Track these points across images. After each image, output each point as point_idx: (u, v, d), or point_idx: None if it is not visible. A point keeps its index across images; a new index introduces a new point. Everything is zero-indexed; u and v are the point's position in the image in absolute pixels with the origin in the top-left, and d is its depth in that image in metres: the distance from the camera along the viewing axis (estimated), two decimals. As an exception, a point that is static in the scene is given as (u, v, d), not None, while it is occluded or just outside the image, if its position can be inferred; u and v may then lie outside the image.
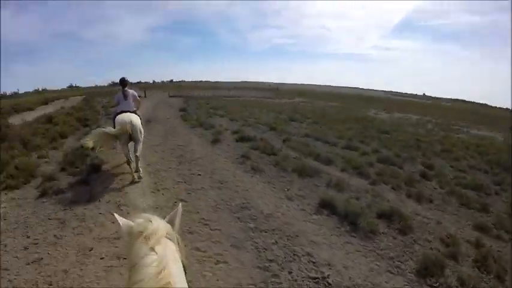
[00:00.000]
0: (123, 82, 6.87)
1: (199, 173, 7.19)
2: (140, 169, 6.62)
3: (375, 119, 18.60)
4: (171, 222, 1.36)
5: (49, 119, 12.96)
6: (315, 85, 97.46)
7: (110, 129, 6.15)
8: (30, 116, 15.61)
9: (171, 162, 8.01)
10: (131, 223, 1.26)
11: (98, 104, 21.82)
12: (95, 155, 8.09)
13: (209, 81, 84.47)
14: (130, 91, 6.94)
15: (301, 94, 41.56)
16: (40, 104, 26.36)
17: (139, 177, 6.51)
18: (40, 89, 48.38)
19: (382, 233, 4.85)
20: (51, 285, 3.71)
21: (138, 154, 6.43)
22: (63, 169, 7.12)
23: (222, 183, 6.64)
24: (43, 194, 5.83)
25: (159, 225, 1.21)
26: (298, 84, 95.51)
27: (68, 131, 10.90)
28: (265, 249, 4.39)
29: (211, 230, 4.87)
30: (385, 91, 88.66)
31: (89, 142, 5.76)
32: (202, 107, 20.00)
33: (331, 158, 8.56)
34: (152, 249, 1.09)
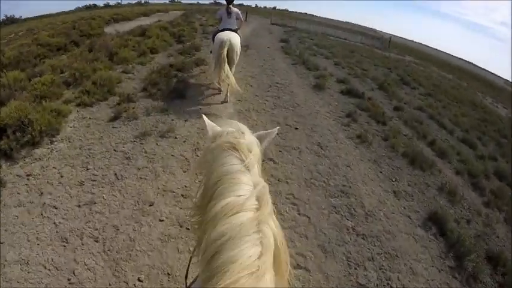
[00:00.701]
0: (229, 0, 6.48)
1: (297, 126, 5.98)
2: (228, 96, 6.40)
3: (492, 112, 14.99)
4: (260, 139, 1.13)
5: (143, 32, 12.41)
6: (425, 45, 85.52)
7: (212, 64, 6.26)
8: (127, 26, 15.69)
9: (265, 102, 6.89)
10: (220, 130, 1.09)
11: (196, 20, 21.15)
12: (182, 77, 7.37)
13: (313, 15, 79.55)
14: (235, 9, 6.63)
15: (412, 53, 36.28)
16: (139, 16, 26.93)
17: (225, 100, 6.37)
18: (142, 1, 49.95)
19: (483, 282, 3.61)
20: (96, 241, 3.07)
21: (231, 73, 6.05)
22: (144, 89, 6.45)
23: (321, 148, 5.38)
24: (116, 117, 5.21)
25: (251, 140, 1.04)
26: (408, 40, 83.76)
27: (160, 46, 10.28)
28: (358, 266, 3.31)
29: (298, 213, 3.82)
30: (501, 77, 73.27)
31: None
32: (305, 42, 17.98)
33: (446, 150, 6.62)
34: (247, 166, 0.92)
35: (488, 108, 15.87)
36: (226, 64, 5.83)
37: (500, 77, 70.63)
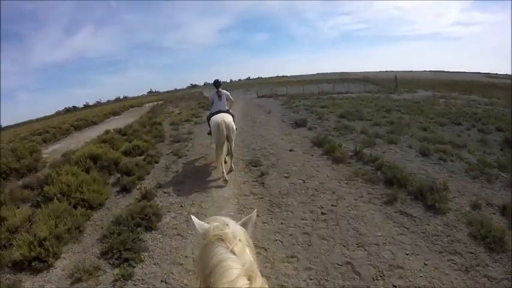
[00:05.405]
0: (217, 84, 6.38)
1: None
2: (233, 166, 6.14)
3: None
4: (244, 226, 1.16)
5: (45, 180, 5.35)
6: (399, 71, 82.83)
7: (214, 146, 5.95)
8: (84, 137, 10.95)
9: None
10: (207, 225, 1.11)
11: (166, 117, 14.87)
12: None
13: (286, 76, 76.55)
14: (224, 91, 6.38)
15: (415, 84, 31.15)
16: (108, 116, 22.09)
17: (231, 170, 6.01)
18: (121, 97, 46.15)
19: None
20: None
21: (232, 151, 6.09)
22: None
23: None
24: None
25: (235, 228, 1.07)
26: (383, 71, 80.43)
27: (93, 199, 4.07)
28: None
29: None
30: (479, 73, 69.53)
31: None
32: (324, 117, 11.44)
33: None
34: (233, 252, 0.95)
35: None
36: (226, 144, 5.77)
37: (478, 73, 65.97)
